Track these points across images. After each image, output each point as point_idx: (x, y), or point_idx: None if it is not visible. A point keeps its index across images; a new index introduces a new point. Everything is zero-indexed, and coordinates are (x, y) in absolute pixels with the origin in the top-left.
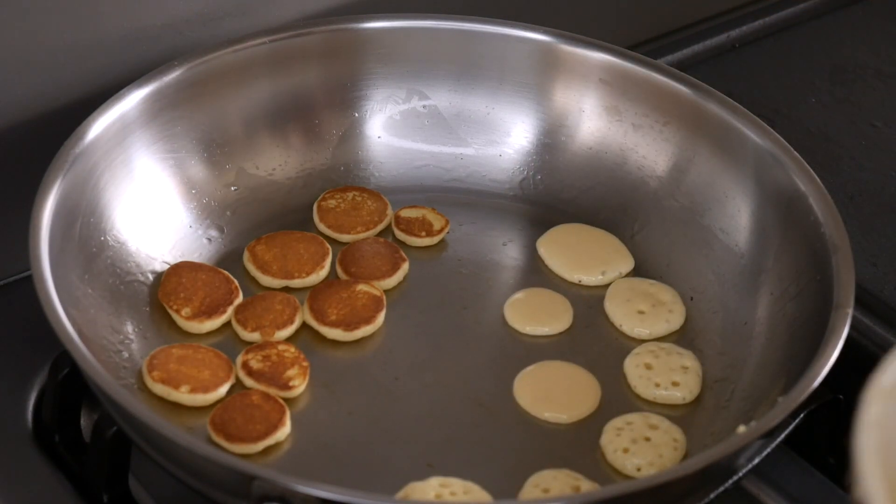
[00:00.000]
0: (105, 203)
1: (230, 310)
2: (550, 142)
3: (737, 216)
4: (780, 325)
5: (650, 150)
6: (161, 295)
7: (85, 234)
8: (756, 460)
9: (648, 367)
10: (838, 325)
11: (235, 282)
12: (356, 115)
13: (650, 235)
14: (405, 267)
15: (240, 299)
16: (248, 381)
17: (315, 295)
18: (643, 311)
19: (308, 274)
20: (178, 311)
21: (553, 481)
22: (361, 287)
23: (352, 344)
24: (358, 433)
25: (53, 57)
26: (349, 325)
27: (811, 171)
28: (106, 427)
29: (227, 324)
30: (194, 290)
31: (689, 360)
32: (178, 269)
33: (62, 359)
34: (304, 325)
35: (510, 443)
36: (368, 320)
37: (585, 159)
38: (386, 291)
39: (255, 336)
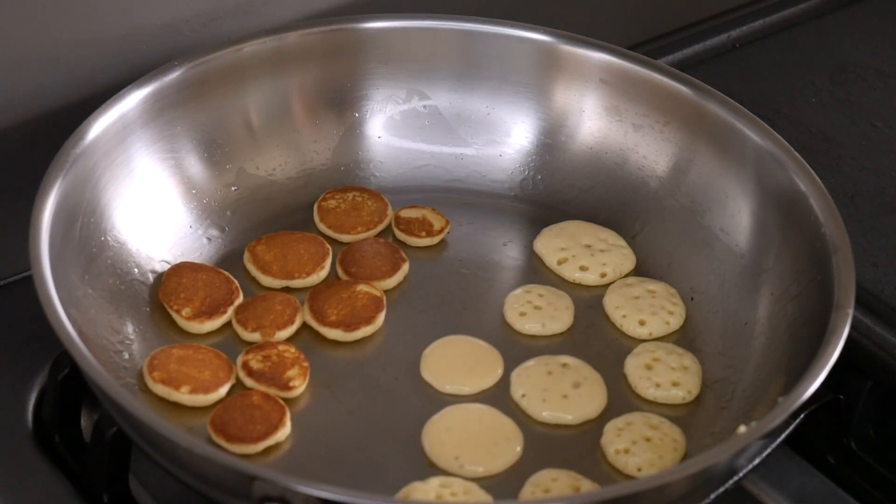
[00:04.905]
0: (105, 203)
1: (230, 310)
2: (551, 142)
3: (737, 216)
4: (781, 326)
5: (650, 151)
6: (161, 295)
7: (85, 234)
8: (756, 461)
9: (649, 367)
10: (838, 326)
11: (236, 282)
12: (356, 115)
13: (651, 235)
14: (405, 267)
15: (240, 299)
16: (249, 382)
17: (315, 295)
18: (643, 311)
19: (308, 274)
20: (178, 312)
21: (553, 481)
22: (361, 287)
23: (352, 344)
24: (358, 433)
25: (53, 57)
26: (349, 326)
27: (811, 171)
28: (106, 427)
29: (228, 324)
30: (195, 291)
31: (689, 360)
32: (179, 270)
33: (62, 359)
34: (305, 326)
35: None
36: (368, 321)
37: (586, 159)
38: (386, 292)
39: (255, 336)
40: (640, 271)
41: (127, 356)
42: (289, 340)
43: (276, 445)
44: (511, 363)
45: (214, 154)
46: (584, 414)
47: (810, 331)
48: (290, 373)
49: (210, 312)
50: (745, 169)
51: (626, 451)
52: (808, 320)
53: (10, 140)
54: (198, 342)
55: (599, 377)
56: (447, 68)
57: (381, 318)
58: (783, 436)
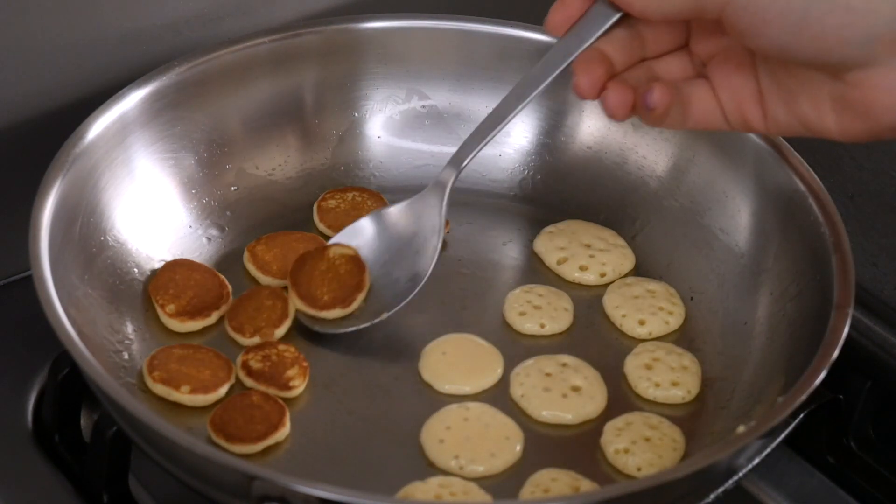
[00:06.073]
0: (105, 203)
1: (215, 314)
2: (550, 142)
3: (737, 216)
4: (780, 325)
5: (650, 150)
6: (151, 288)
7: (85, 234)
8: (756, 460)
9: (648, 367)
10: (838, 325)
11: (229, 287)
12: (356, 115)
13: (650, 235)
14: None
15: (227, 305)
16: (248, 382)
17: (297, 280)
18: (643, 311)
19: None
20: (162, 307)
21: (553, 481)
22: (336, 251)
23: (352, 343)
24: (358, 433)
25: (53, 57)
26: (345, 301)
27: (811, 171)
28: (106, 427)
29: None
30: (185, 289)
31: (688, 360)
32: (174, 266)
33: (62, 359)
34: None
35: None
36: (359, 287)
37: (585, 159)
38: None
39: (254, 340)
40: (639, 271)
41: (127, 356)
42: (288, 340)
43: (276, 445)
44: (511, 363)
45: (214, 154)
46: (584, 414)
47: (810, 331)
48: (290, 372)
49: (193, 313)
50: (745, 169)
51: (626, 451)
52: (808, 320)
53: (10, 140)
54: (198, 342)
55: (599, 377)
56: (447, 68)
57: (367, 280)
58: (783, 435)
